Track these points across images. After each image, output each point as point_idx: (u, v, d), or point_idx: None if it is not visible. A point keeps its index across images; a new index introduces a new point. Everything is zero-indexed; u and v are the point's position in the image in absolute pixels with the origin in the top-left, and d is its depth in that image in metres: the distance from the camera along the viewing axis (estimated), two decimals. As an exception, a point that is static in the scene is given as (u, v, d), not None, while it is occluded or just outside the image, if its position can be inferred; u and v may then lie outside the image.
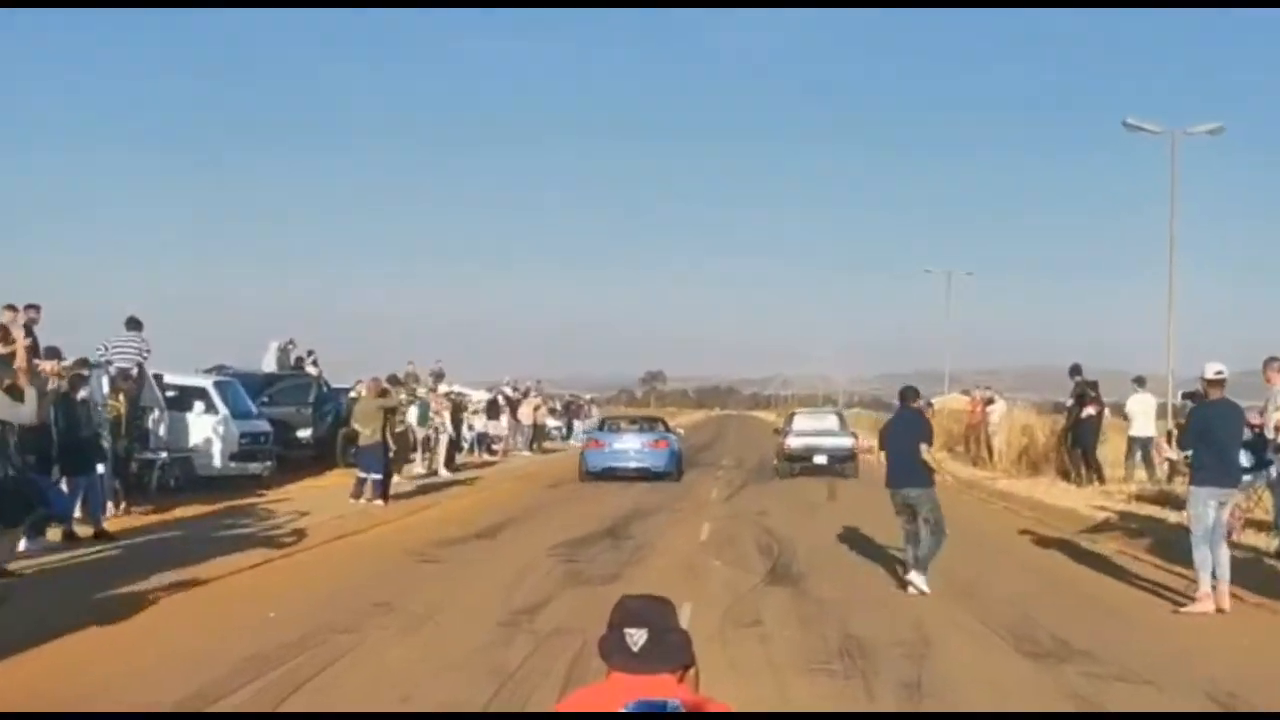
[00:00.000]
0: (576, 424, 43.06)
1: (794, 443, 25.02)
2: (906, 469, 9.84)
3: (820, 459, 24.50)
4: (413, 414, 23.06)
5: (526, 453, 33.07)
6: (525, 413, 33.93)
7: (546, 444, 37.37)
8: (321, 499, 16.97)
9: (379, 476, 16.62)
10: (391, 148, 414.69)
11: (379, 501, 16.52)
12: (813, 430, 25.48)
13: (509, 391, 35.30)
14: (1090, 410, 20.03)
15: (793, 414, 28.35)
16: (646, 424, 25.49)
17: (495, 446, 31.29)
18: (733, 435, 58.77)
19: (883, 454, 9.97)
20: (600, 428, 26.63)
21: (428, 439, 23.76)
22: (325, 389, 23.32)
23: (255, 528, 13.52)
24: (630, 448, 23.50)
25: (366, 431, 16.67)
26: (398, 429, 19.26)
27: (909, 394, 10.40)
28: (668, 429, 25.42)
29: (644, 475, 22.60)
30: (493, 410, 30.71)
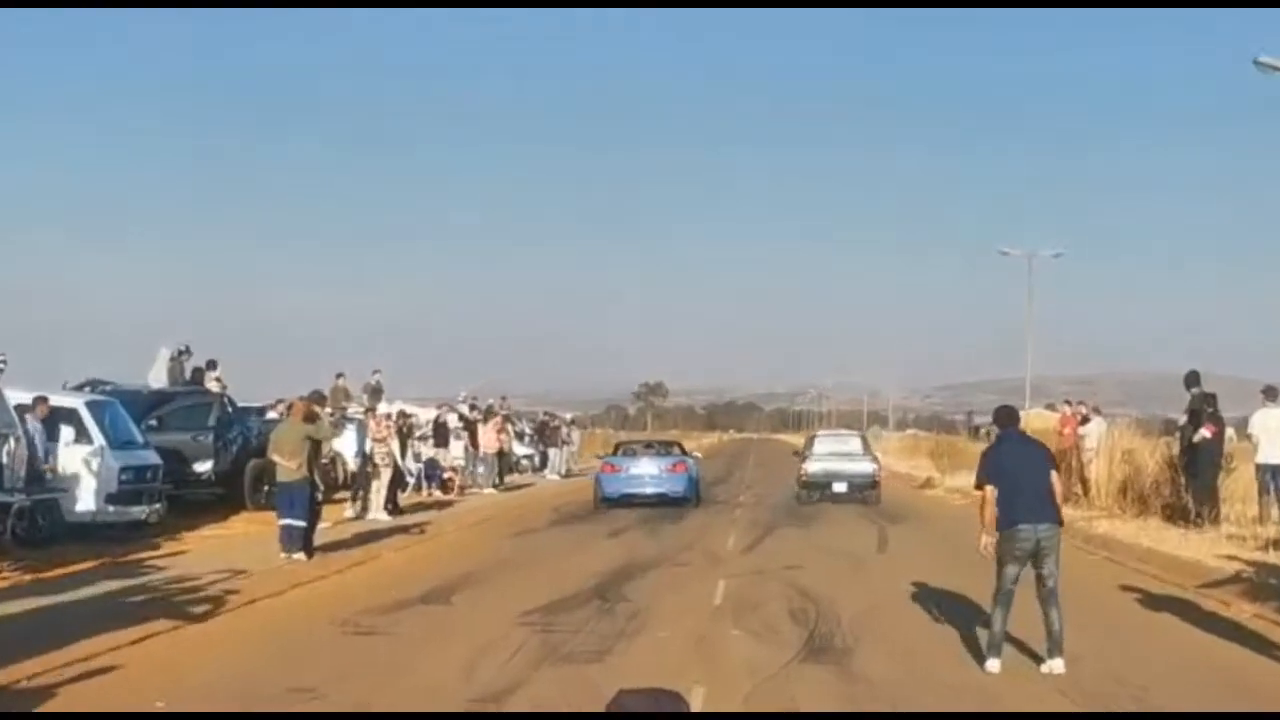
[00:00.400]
0: (553, 452, 43.07)
1: (812, 467, 29.38)
2: (1038, 501, 9.89)
3: (840, 486, 29.07)
4: (348, 441, 22.96)
5: (489, 489, 33.08)
6: (488, 438, 33.95)
7: (515, 477, 37.40)
8: (226, 551, 17.11)
9: (302, 524, 16.69)
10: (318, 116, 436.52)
11: (300, 555, 16.60)
12: (833, 454, 29.77)
13: (465, 410, 35.33)
14: (1205, 432, 20.13)
15: (813, 436, 33.32)
16: (663, 448, 30.36)
17: (448, 480, 31.31)
18: (752, 465, 59.48)
19: (988, 490, 9.92)
20: (615, 453, 30.61)
21: (366, 473, 23.64)
22: (230, 409, 23.28)
23: (139, 592, 13.54)
24: (647, 473, 28.10)
25: (291, 465, 16.67)
26: (323, 460, 19.44)
27: (1007, 416, 10.54)
28: (685, 452, 30.24)
29: (662, 501, 27.60)
30: (440, 435, 30.67)
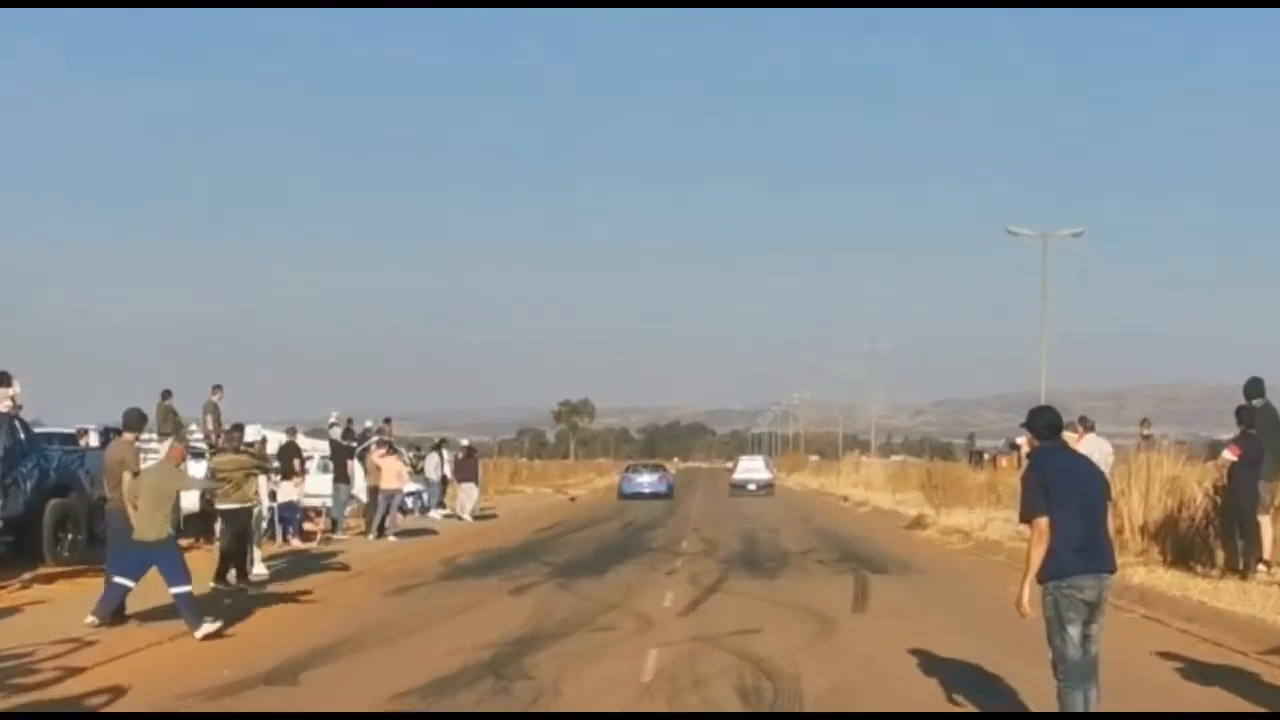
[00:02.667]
0: (467, 489, 43.12)
1: (735, 477, 75.35)
2: (1097, 540, 9.78)
3: (751, 486, 72.27)
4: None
5: (372, 536, 33.00)
6: (388, 471, 33.80)
7: (401, 520, 37.04)
8: (20, 624, 16.97)
9: (130, 585, 16.83)
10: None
11: (92, 618, 16.66)
12: (748, 469, 76.83)
13: (337, 435, 34.96)
14: (1228, 454, 20.34)
15: (738, 459, 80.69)
16: (655, 467, 75.40)
17: (311, 526, 30.89)
18: (697, 505, 60.44)
19: (1040, 523, 9.60)
20: (626, 470, 73.04)
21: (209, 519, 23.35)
22: (23, 436, 22.69)
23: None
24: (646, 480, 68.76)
25: (158, 518, 16.62)
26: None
27: (1047, 422, 10.24)
28: (665, 469, 74.36)
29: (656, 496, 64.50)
30: (286, 459, 30.00)
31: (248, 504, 22.22)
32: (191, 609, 16.65)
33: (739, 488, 72.47)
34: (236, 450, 22.65)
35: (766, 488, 73.10)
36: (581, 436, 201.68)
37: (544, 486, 78.81)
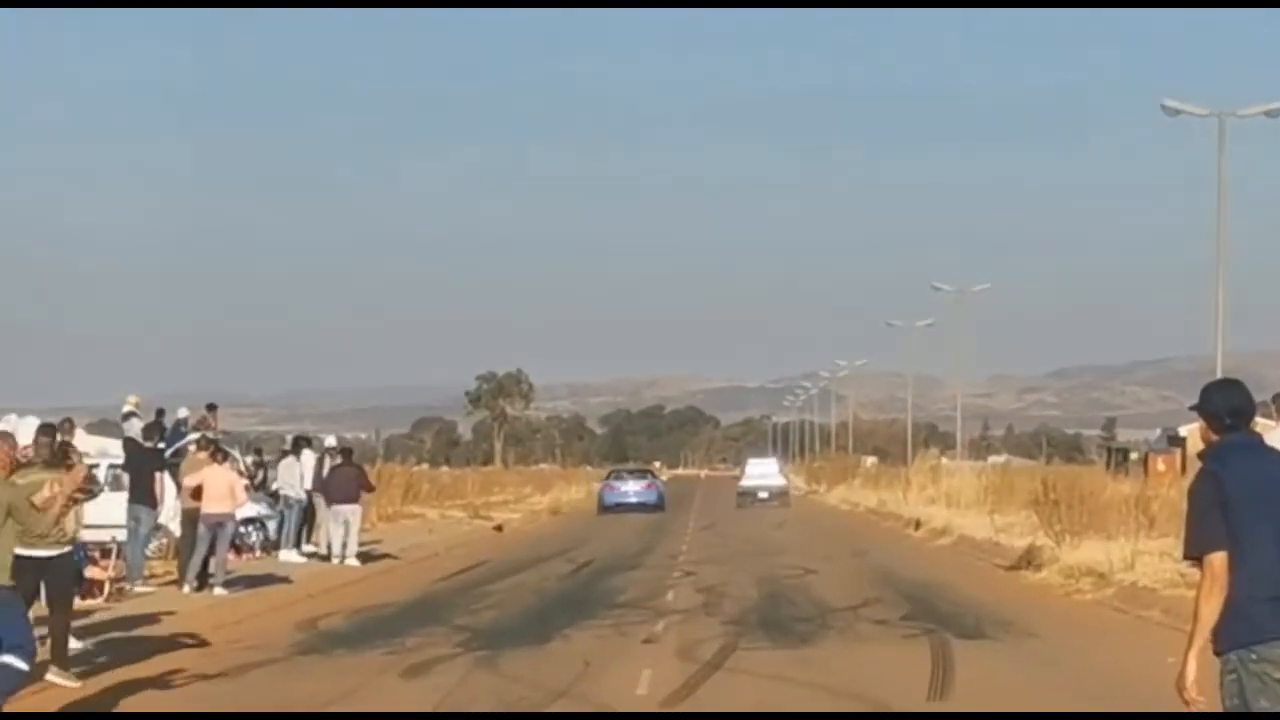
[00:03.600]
0: (347, 513, 42.14)
1: (743, 484, 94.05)
2: None
3: (763, 494, 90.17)
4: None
5: (188, 588, 33.00)
6: (215, 487, 33.46)
7: (236, 561, 37.36)
8: None
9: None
10: None
11: None
12: (759, 474, 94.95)
13: (136, 431, 35.08)
14: None
15: (746, 461, 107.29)
16: (641, 472, 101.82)
17: (96, 575, 30.42)
18: (691, 531, 62.54)
19: (1216, 560, 9.46)
20: (609, 477, 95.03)
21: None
22: None
23: None
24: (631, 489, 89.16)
25: None
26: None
27: (1231, 404, 9.91)
28: (653, 475, 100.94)
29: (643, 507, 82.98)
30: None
31: (65, 549, 21.93)
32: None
33: (748, 496, 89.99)
34: (53, 461, 21.83)
35: (780, 496, 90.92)
36: (513, 430, 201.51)
37: (455, 508, 78.87)
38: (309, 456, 44.71)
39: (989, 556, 43.80)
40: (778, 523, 68.34)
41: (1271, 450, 10.18)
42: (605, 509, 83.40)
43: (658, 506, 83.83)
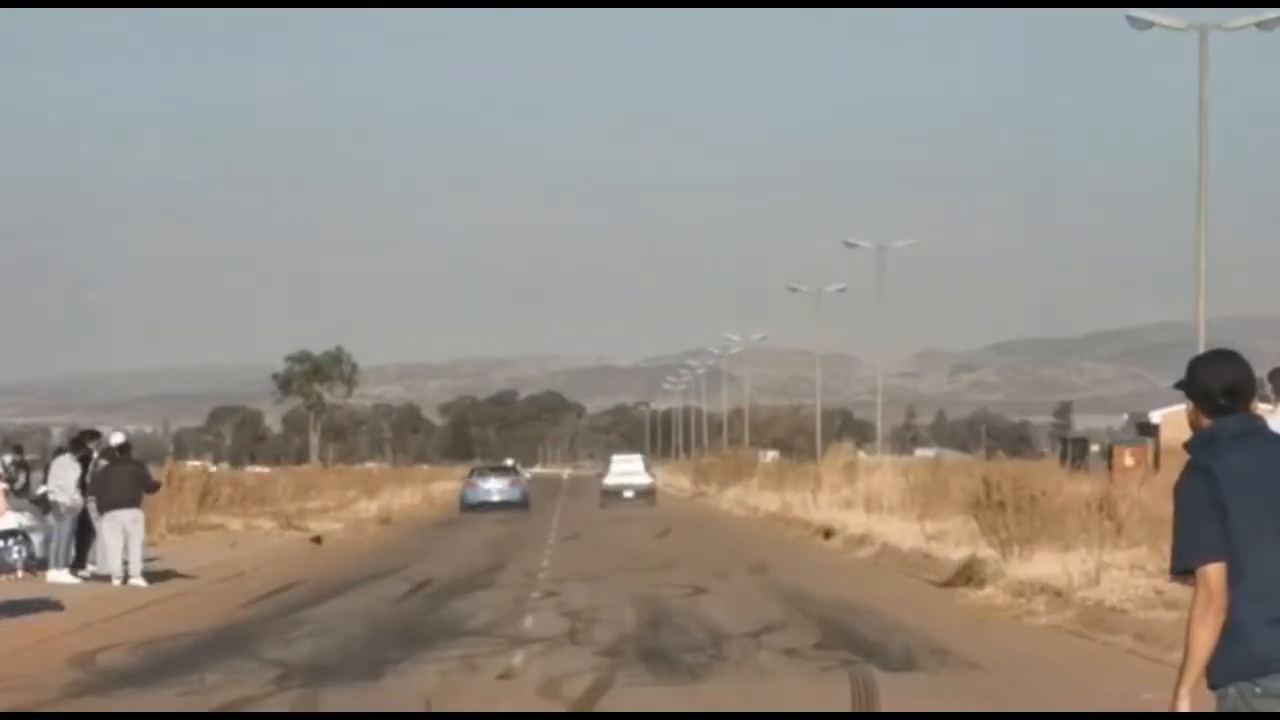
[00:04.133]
0: (128, 527, 41.85)
1: (608, 482, 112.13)
2: None
3: (628, 493, 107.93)
4: None
5: None
6: None
7: None
8: None
9: None
10: None
11: None
12: (624, 472, 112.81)
13: None
14: None
15: (611, 458, 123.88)
16: (504, 469, 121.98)
17: None
18: (554, 539, 62.47)
19: (1211, 573, 9.21)
20: (471, 474, 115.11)
21: None
22: None
23: None
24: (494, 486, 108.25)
25: None
26: None
27: (1225, 377, 9.68)
28: (518, 472, 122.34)
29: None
30: None
31: None
32: None
33: (613, 495, 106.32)
34: None
35: (646, 495, 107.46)
36: (333, 421, 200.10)
37: (263, 516, 77.65)
38: (87, 453, 44.10)
39: (919, 571, 44.07)
40: (659, 531, 68.71)
41: (1275, 437, 9.90)
42: (468, 508, 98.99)
43: (522, 505, 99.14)
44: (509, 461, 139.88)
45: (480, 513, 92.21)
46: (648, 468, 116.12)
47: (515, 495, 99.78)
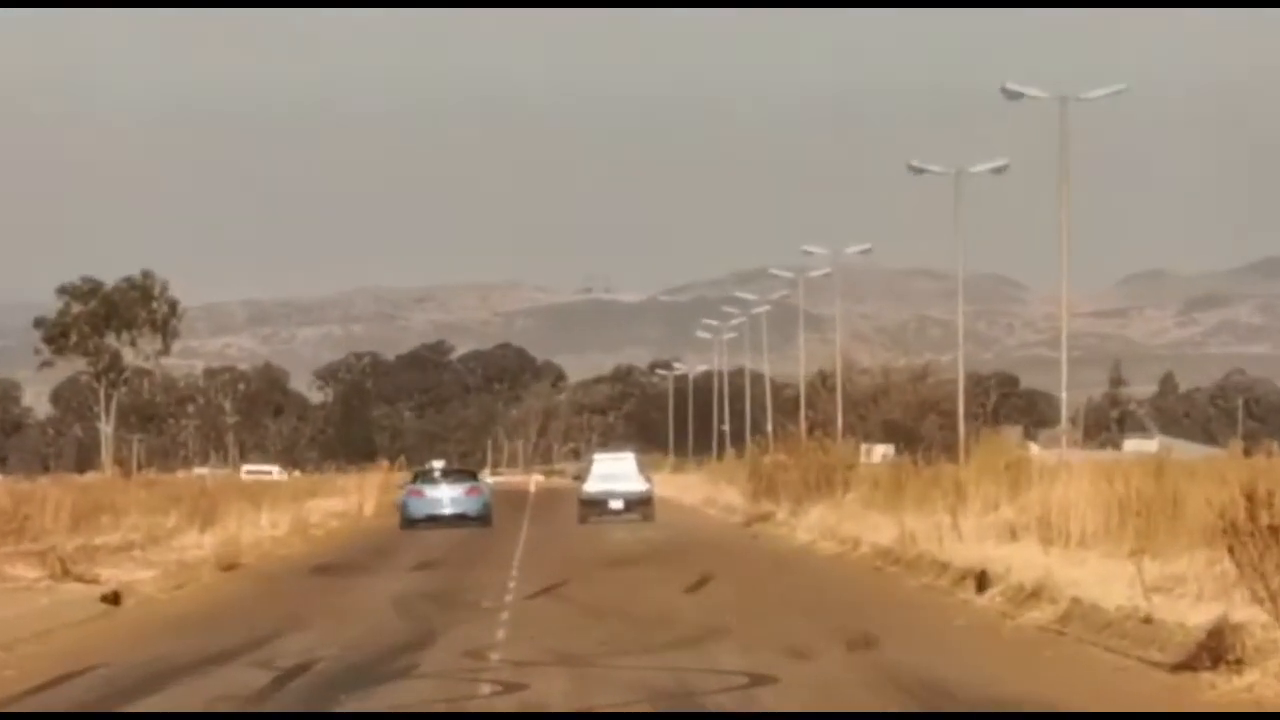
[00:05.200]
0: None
1: (588, 489, 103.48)
2: None
3: (615, 504, 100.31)
4: None
5: None
6: None
7: None
8: None
9: None
10: None
11: None
12: (608, 473, 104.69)
13: None
14: None
15: (592, 460, 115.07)
16: (460, 473, 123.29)
17: None
18: (514, 595, 52.56)
19: None
20: (415, 479, 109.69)
21: None
22: None
23: None
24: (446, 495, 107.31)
25: None
26: None
27: None
28: (475, 477, 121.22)
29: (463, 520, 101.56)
30: None
31: None
32: None
33: (595, 505, 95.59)
34: None
35: (640, 505, 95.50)
36: (138, 398, 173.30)
37: (21, 559, 61.41)
38: None
39: (1133, 646, 33.39)
40: (689, 580, 53.16)
41: None
42: (411, 523, 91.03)
43: (481, 519, 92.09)
44: (435, 464, 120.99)
45: (427, 528, 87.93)
46: (641, 469, 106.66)
47: (474, 507, 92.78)
